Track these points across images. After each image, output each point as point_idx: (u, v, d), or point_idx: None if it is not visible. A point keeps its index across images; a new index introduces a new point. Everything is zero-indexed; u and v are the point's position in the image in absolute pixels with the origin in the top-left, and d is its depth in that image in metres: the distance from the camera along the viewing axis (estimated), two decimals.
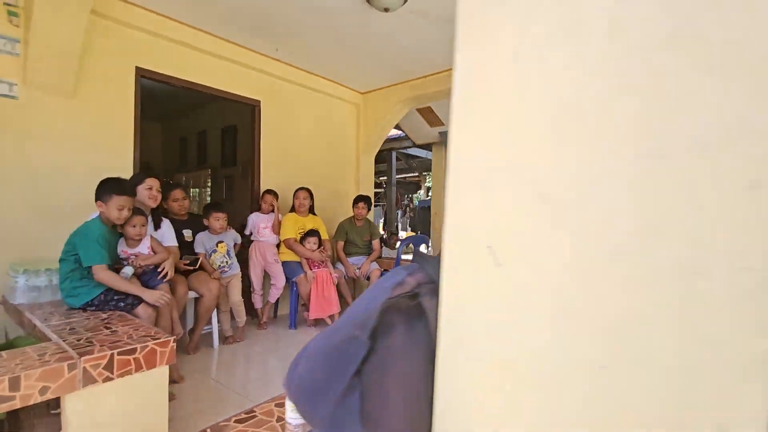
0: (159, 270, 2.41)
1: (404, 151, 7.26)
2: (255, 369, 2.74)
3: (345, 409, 0.41)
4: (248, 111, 3.81)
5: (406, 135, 5.76)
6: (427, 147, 6.06)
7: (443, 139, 5.47)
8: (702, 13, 0.29)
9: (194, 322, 2.88)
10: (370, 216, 4.33)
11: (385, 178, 7.88)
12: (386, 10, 2.71)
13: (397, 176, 9.90)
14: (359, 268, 3.87)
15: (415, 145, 6.09)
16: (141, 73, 3.01)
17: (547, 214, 0.36)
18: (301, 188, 3.71)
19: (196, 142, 6.04)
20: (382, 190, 11.11)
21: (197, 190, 6.23)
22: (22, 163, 2.46)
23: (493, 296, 0.40)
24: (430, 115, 4.98)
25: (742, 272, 0.28)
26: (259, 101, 3.79)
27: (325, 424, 0.42)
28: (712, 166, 0.29)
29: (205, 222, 2.98)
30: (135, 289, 2.11)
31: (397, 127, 5.65)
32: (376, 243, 4.08)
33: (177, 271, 2.63)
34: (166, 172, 6.34)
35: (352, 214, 4.03)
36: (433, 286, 0.44)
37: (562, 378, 0.35)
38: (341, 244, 3.99)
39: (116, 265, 2.23)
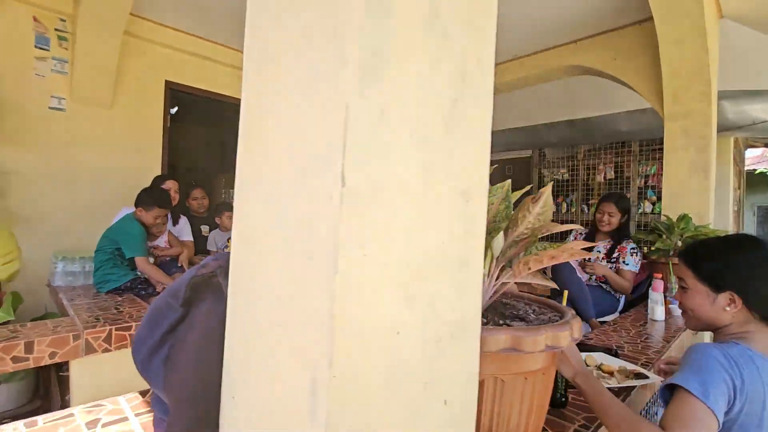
0: (178, 263, 2.71)
1: None
2: None
3: (157, 356, 0.57)
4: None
5: None
6: None
7: None
8: None
9: None
10: None
11: None
12: None
13: None
14: None
15: None
16: (170, 86, 3.37)
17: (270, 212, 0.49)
18: None
19: (232, 145, 6.53)
20: None
21: (232, 190, 6.72)
22: (67, 166, 2.86)
23: (257, 277, 0.54)
24: None
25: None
26: None
27: (144, 366, 0.59)
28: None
29: (217, 220, 3.26)
30: (166, 280, 2.37)
31: None
32: None
33: (192, 264, 2.93)
34: (207, 173, 6.89)
35: None
36: (227, 268, 0.59)
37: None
38: None
39: None
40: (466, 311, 0.51)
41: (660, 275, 2.27)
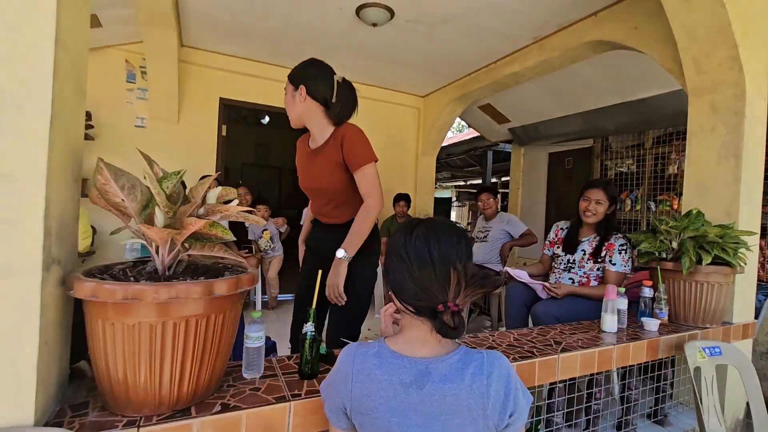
0: None
1: (503, 149, 6.93)
2: (272, 330, 3.42)
3: None
4: None
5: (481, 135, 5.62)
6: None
7: (514, 136, 5.13)
8: None
9: None
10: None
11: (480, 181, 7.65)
12: (374, 24, 2.99)
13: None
14: None
15: (490, 145, 5.84)
16: (223, 102, 4.08)
17: None
18: None
19: (274, 146, 8.13)
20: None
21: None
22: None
23: None
24: (493, 112, 4.79)
25: None
26: None
27: None
28: None
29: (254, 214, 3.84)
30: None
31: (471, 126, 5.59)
32: None
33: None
34: (252, 170, 8.07)
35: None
36: None
37: None
38: (385, 240, 4.37)
39: None
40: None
41: (650, 282, 1.94)
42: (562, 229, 2.43)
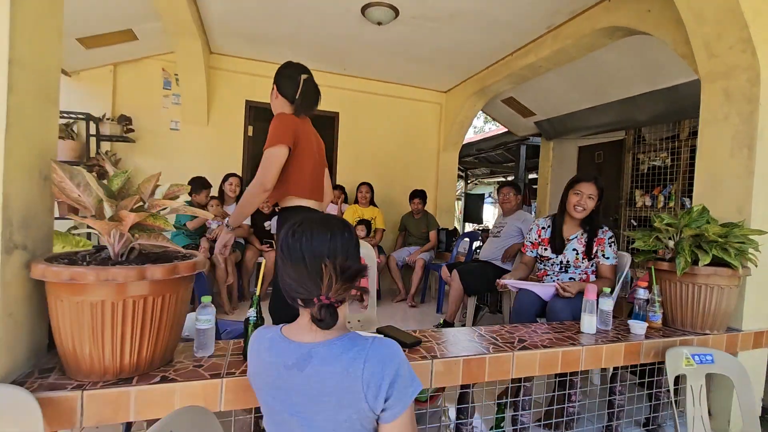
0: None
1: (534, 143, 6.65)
2: None
3: None
4: (329, 122, 4.70)
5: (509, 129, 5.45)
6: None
7: (541, 130, 4.92)
8: None
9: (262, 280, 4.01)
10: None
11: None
12: (379, 23, 3.03)
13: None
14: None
15: (520, 139, 5.62)
16: (249, 104, 4.33)
17: None
18: (363, 183, 4.33)
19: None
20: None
21: None
22: (181, 167, 4.07)
23: None
24: (517, 106, 4.63)
25: None
26: (338, 113, 4.63)
27: None
28: None
29: (277, 210, 4.05)
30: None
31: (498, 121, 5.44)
32: (432, 235, 4.30)
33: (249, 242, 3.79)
34: None
35: (426, 209, 4.39)
36: None
37: None
38: (402, 234, 4.45)
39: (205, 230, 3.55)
40: None
41: (645, 283, 1.85)
42: (543, 228, 2.33)
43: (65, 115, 3.61)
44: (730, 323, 1.89)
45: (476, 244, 4.10)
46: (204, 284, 1.59)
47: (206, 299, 1.24)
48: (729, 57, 1.89)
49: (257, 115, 4.45)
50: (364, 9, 2.97)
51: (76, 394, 0.98)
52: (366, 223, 4.17)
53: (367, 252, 2.27)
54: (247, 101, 4.32)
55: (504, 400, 1.63)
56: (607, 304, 1.76)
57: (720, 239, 1.71)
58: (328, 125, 4.75)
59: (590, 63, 3.37)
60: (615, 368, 1.77)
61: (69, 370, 1.04)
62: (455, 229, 4.85)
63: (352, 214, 4.28)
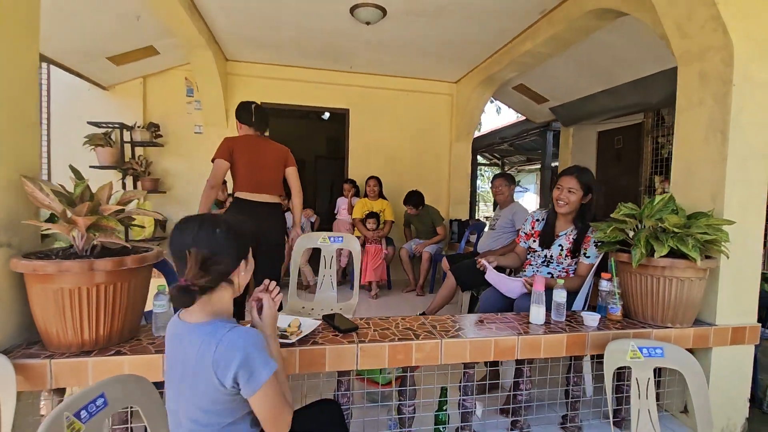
0: None
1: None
2: None
3: None
4: (341, 118, 4.86)
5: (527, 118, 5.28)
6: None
7: (558, 116, 4.72)
8: None
9: None
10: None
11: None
12: (368, 23, 3.12)
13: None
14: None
15: (540, 126, 5.41)
16: (265, 106, 4.60)
17: None
18: (371, 177, 4.47)
19: (311, 137, 8.25)
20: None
21: None
22: (203, 171, 4.43)
23: None
24: (528, 92, 4.49)
25: None
26: (348, 109, 4.78)
27: None
28: None
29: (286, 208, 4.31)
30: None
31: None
32: (440, 229, 4.35)
33: None
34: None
35: (439, 200, 4.48)
36: None
37: None
38: (408, 229, 4.60)
39: None
40: None
41: (609, 275, 1.84)
42: (538, 220, 2.31)
43: (104, 125, 4.09)
44: (701, 317, 1.82)
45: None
46: (172, 273, 1.80)
47: (161, 287, 1.46)
48: (701, 37, 1.79)
49: (275, 114, 4.71)
50: (352, 10, 3.07)
51: (46, 362, 1.23)
52: (375, 215, 4.30)
53: (350, 242, 2.41)
54: (262, 104, 4.59)
55: (445, 385, 1.71)
56: (560, 296, 1.77)
57: (679, 230, 1.65)
58: (339, 122, 4.91)
59: (595, 46, 3.22)
60: (576, 359, 1.78)
61: (45, 344, 1.29)
62: (468, 220, 4.84)
63: (361, 207, 4.43)
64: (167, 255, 0.99)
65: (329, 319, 1.62)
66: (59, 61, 3.56)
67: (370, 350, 1.44)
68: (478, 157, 10.71)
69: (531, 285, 2.00)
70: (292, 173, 2.49)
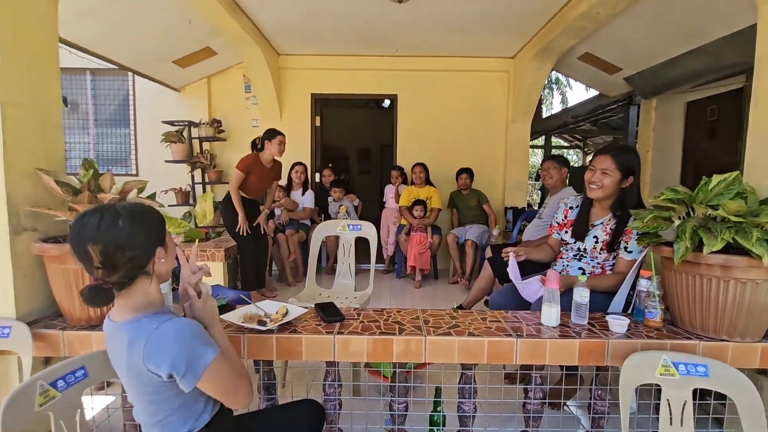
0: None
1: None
2: None
3: None
4: (389, 105, 4.78)
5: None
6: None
7: (634, 87, 4.05)
8: None
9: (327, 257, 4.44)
10: None
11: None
12: (400, 1, 2.97)
13: None
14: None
15: (618, 100, 4.68)
16: (314, 97, 4.72)
17: None
18: (417, 164, 4.34)
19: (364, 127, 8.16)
20: None
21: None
22: None
23: None
24: (597, 62, 3.91)
25: None
26: (396, 94, 4.67)
27: None
28: None
29: (331, 193, 4.40)
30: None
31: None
32: (487, 207, 4.25)
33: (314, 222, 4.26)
34: (348, 152, 8.32)
35: (493, 186, 4.32)
36: None
37: None
38: (453, 212, 4.46)
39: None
40: None
41: (649, 273, 1.56)
42: (571, 208, 2.01)
43: (176, 123, 4.55)
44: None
45: None
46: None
47: None
48: None
49: (323, 104, 4.81)
50: None
51: (59, 333, 1.40)
52: (422, 203, 4.18)
53: (368, 230, 2.37)
54: (312, 94, 4.72)
55: (440, 385, 1.58)
56: (582, 295, 1.52)
57: (740, 219, 1.30)
58: (386, 109, 4.82)
59: (657, 7, 2.68)
60: (600, 369, 1.53)
61: (65, 318, 1.47)
62: (524, 207, 4.47)
63: (408, 195, 4.33)
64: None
65: (319, 308, 1.59)
66: (136, 69, 4.02)
67: (347, 342, 1.39)
68: (553, 139, 9.82)
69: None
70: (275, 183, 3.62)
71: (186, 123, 4.50)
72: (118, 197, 1.47)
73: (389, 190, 4.61)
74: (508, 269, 1.92)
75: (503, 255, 1.94)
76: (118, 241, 0.87)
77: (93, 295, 0.87)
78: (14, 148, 1.40)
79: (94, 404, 1.74)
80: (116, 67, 3.83)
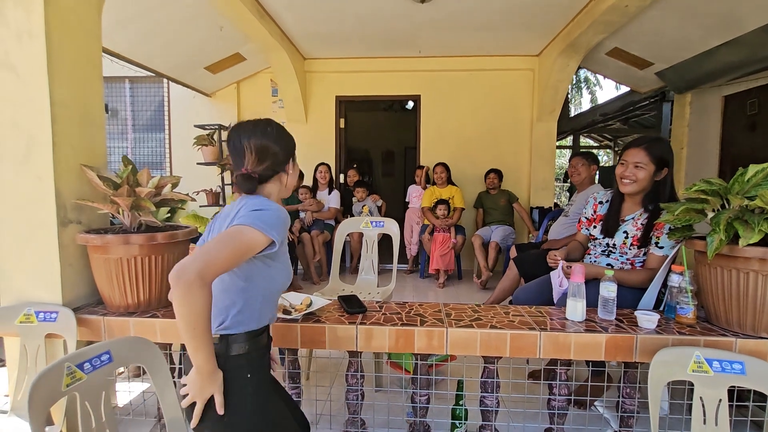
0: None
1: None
2: None
3: None
4: (413, 106, 4.80)
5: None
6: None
7: (667, 82, 3.89)
8: None
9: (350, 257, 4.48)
10: None
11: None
12: (422, 1, 3.00)
13: None
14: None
15: (650, 96, 4.50)
16: (339, 99, 4.80)
17: None
18: (438, 164, 4.33)
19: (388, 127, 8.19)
20: None
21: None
22: None
23: None
24: (626, 57, 3.80)
25: None
26: (419, 95, 4.69)
27: None
28: None
29: (355, 193, 4.45)
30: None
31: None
32: (517, 206, 4.25)
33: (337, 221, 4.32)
34: (371, 152, 8.39)
35: (518, 186, 4.31)
36: None
37: None
38: (480, 211, 4.40)
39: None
40: None
41: (682, 268, 1.52)
42: (601, 203, 1.95)
43: (207, 127, 4.73)
44: None
45: None
46: None
47: None
48: None
49: (347, 107, 4.89)
50: None
51: (101, 318, 1.49)
52: (445, 202, 4.17)
53: (390, 226, 2.40)
54: (336, 97, 4.80)
55: (462, 378, 1.57)
56: (608, 290, 1.48)
57: None
58: (410, 111, 4.85)
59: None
60: (628, 366, 1.48)
61: (105, 303, 1.57)
62: (550, 207, 4.37)
63: (430, 195, 4.33)
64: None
65: (342, 300, 1.63)
66: (171, 75, 4.22)
67: (370, 332, 1.41)
68: (582, 139, 9.57)
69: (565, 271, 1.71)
70: None
71: (216, 126, 4.67)
72: (154, 191, 1.56)
73: (413, 190, 4.62)
74: (552, 273, 1.86)
75: (550, 260, 1.88)
76: (268, 139, 1.07)
77: (242, 181, 1.04)
78: (62, 146, 1.51)
79: (131, 389, 1.84)
80: (153, 74, 4.04)
